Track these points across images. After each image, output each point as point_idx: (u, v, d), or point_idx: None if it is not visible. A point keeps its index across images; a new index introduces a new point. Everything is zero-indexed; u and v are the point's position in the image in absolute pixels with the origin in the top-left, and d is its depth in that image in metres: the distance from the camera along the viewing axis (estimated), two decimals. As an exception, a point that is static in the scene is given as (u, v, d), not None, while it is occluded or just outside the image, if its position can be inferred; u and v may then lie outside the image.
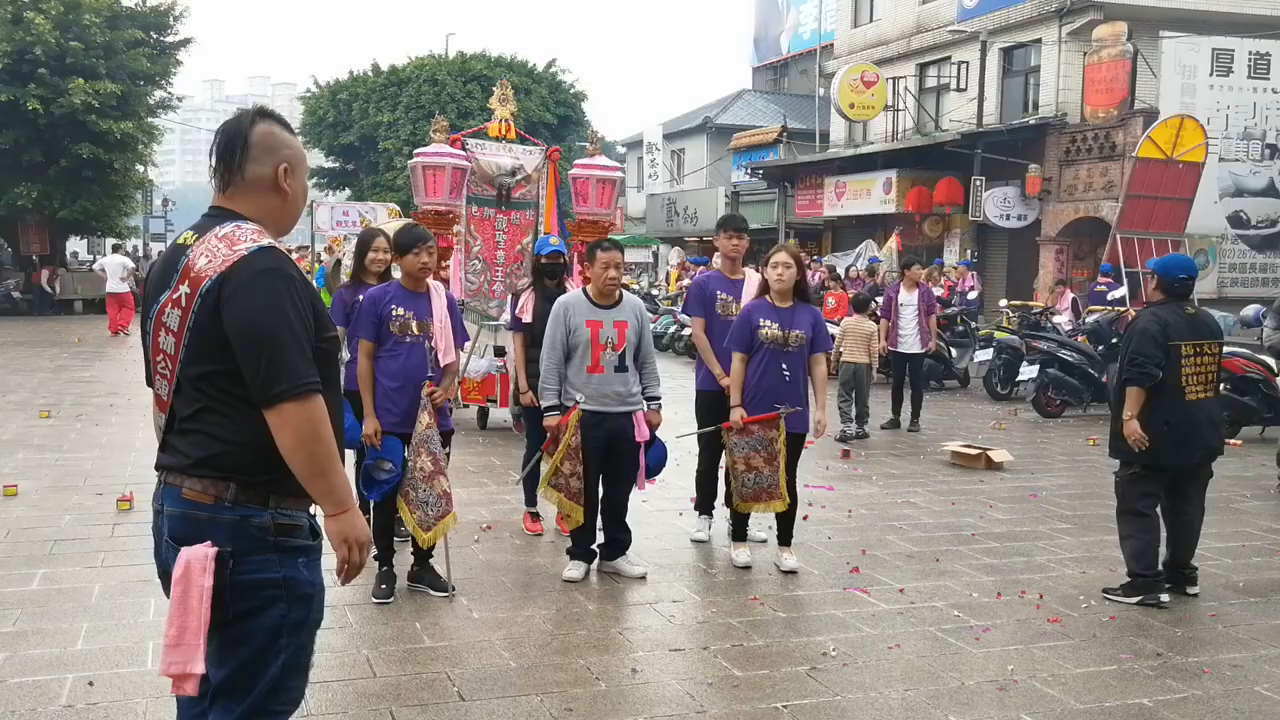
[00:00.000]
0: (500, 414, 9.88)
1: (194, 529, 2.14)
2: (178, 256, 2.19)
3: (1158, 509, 5.19)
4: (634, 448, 5.29)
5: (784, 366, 5.42)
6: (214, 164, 2.25)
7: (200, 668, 2.08)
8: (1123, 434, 5.09)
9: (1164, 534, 5.22)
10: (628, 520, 5.46)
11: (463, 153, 9.20)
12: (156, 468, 2.27)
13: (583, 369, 5.17)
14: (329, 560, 2.29)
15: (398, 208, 21.97)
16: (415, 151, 9.25)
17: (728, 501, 5.88)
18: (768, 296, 5.51)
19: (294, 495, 2.19)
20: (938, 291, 14.57)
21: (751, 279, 6.08)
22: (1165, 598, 5.06)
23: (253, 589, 2.13)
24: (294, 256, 19.87)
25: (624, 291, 5.38)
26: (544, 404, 5.26)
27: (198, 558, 2.08)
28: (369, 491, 4.82)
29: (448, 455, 4.93)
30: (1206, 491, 5.29)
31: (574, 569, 5.26)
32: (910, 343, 10.39)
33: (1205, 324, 5.23)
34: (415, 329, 4.85)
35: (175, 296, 2.16)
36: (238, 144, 2.22)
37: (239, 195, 2.24)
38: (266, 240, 2.17)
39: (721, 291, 6.04)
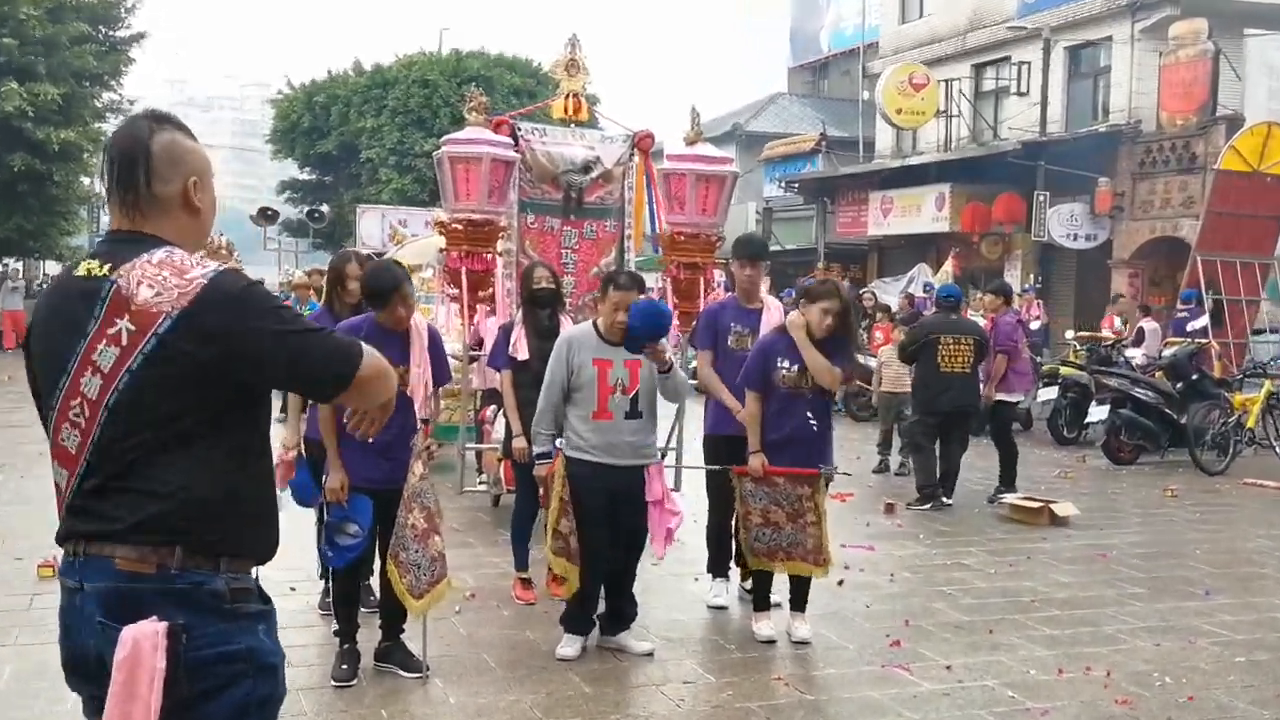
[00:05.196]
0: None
1: (134, 604, 2.09)
2: (93, 288, 2.15)
3: (935, 444, 9.06)
4: (643, 508, 5.22)
5: (809, 415, 5.42)
6: (112, 184, 2.22)
7: None
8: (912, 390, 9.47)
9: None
10: (635, 589, 5.41)
11: (508, 140, 7.58)
12: (66, 538, 2.18)
13: (588, 415, 5.09)
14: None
15: None
16: (444, 139, 7.65)
17: (739, 561, 5.83)
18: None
19: (243, 555, 2.18)
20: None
21: (772, 309, 6.07)
22: (947, 500, 8.99)
23: (213, 665, 2.10)
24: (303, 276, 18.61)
25: None
26: (536, 450, 5.23)
27: (147, 635, 2.03)
28: (333, 556, 4.78)
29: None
30: (968, 434, 9.38)
31: (569, 645, 5.20)
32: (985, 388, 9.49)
33: (962, 325, 9.12)
34: None
35: (112, 333, 2.12)
36: (139, 159, 2.21)
37: (150, 217, 2.23)
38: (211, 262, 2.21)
39: (735, 323, 5.98)
